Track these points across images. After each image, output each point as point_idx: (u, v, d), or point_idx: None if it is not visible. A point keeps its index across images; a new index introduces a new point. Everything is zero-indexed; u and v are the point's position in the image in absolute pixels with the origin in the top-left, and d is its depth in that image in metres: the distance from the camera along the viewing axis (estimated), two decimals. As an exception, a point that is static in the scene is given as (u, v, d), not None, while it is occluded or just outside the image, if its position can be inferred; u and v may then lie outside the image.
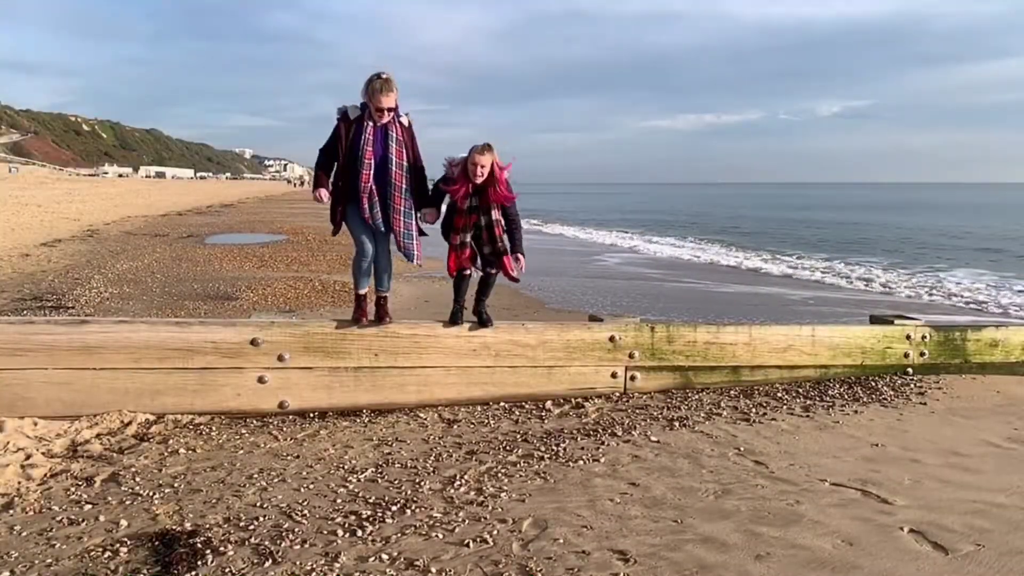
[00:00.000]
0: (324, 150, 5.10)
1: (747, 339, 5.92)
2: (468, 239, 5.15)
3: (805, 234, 35.52)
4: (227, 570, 2.95)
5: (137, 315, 8.46)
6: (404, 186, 5.04)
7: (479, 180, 4.98)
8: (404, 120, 5.07)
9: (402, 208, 5.05)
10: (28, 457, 4.09)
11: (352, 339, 5.10)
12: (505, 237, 5.15)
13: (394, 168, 4.99)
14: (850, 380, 6.10)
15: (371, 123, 4.95)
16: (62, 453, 4.22)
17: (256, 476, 3.95)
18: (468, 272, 5.28)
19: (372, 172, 4.96)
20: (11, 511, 3.48)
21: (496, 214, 5.10)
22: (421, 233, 5.21)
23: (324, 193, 5.08)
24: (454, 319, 5.30)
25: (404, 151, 5.01)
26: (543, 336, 5.45)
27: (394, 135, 4.98)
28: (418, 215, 5.19)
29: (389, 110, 4.94)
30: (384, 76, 4.89)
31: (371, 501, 3.65)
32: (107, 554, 3.08)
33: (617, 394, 5.62)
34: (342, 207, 5.11)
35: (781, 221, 48.39)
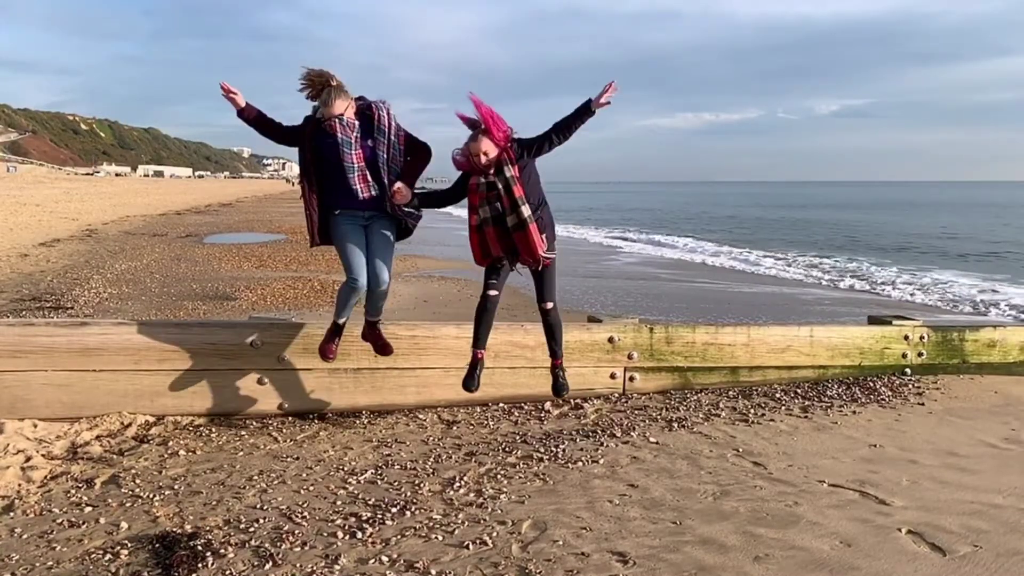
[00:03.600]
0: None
1: (745, 340, 5.93)
2: (489, 214, 4.39)
3: (804, 233, 35.54)
4: (227, 572, 2.96)
5: (136, 315, 8.47)
6: (393, 160, 4.52)
7: (490, 168, 4.34)
8: (381, 107, 4.49)
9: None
10: (28, 459, 4.09)
11: (351, 340, 5.10)
12: (527, 205, 4.33)
13: (385, 142, 4.46)
14: (848, 381, 6.11)
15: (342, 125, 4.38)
16: (62, 455, 4.22)
17: (256, 478, 3.96)
18: (503, 265, 4.57)
19: (364, 164, 4.44)
20: (11, 513, 3.49)
21: (511, 171, 4.34)
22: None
23: (235, 94, 4.39)
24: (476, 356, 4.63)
25: (390, 125, 4.48)
26: (542, 337, 5.44)
27: (376, 118, 4.45)
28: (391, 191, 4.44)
29: (344, 115, 4.35)
30: (333, 83, 4.34)
31: (371, 503, 3.66)
32: (108, 556, 3.08)
33: (616, 395, 5.63)
34: (321, 219, 4.55)
35: (780, 220, 48.42)
